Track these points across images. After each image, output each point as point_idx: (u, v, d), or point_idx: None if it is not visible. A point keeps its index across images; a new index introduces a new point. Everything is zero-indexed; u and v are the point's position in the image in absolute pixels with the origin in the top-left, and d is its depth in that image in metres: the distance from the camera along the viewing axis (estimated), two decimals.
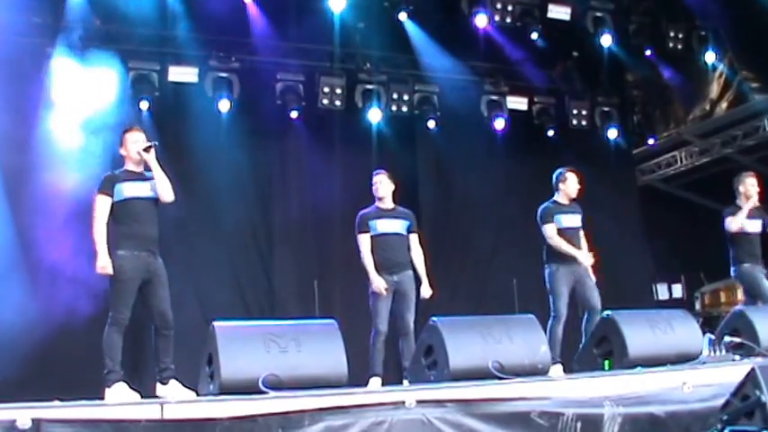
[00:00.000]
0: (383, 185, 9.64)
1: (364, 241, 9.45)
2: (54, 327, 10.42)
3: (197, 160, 12.40)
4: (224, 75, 13.03)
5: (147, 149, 7.71)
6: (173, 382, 7.51)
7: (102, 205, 7.59)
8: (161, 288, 7.62)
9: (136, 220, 7.62)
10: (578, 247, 9.90)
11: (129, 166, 7.81)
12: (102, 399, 7.14)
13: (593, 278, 9.85)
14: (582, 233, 10.03)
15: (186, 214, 11.93)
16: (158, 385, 7.54)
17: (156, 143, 7.83)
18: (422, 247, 9.63)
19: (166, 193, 7.73)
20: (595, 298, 9.69)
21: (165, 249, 11.53)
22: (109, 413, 5.73)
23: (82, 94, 11.64)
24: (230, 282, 12.57)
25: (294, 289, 12.78)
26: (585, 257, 9.85)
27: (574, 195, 10.07)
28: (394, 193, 9.72)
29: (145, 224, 7.64)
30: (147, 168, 7.78)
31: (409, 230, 9.63)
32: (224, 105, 12.99)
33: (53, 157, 10.98)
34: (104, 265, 7.44)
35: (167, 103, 12.69)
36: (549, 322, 9.56)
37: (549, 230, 9.87)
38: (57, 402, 6.53)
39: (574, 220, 10.02)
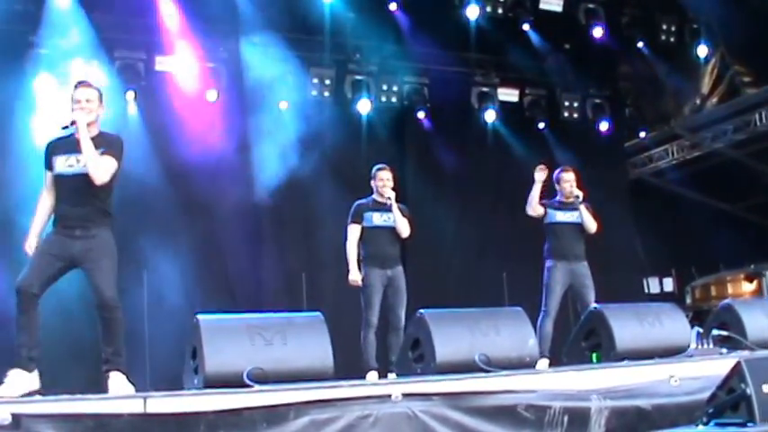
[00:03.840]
0: (390, 183, 9.48)
1: (353, 231, 9.34)
2: None
3: (184, 151, 12.33)
4: (212, 64, 12.97)
5: (73, 122, 6.60)
6: (114, 374, 6.67)
7: (45, 179, 6.86)
8: (96, 268, 6.67)
9: (62, 198, 6.77)
10: (572, 242, 9.88)
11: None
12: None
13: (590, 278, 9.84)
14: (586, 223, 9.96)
15: (173, 206, 11.91)
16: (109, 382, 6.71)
17: (79, 116, 6.60)
18: (411, 239, 9.55)
19: (95, 173, 6.61)
20: (590, 297, 9.66)
21: (153, 242, 11.65)
22: (90, 407, 5.68)
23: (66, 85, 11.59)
24: (218, 275, 12.51)
25: (282, 282, 12.73)
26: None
27: (568, 195, 10.02)
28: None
29: (67, 204, 6.74)
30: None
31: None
32: (212, 96, 12.94)
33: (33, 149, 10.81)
34: (29, 243, 6.82)
35: (154, 92, 12.63)
36: (539, 317, 9.54)
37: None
38: (37, 397, 6.48)
39: (570, 216, 9.98)
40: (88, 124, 6.65)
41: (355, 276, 9.18)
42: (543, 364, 8.82)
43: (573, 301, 9.99)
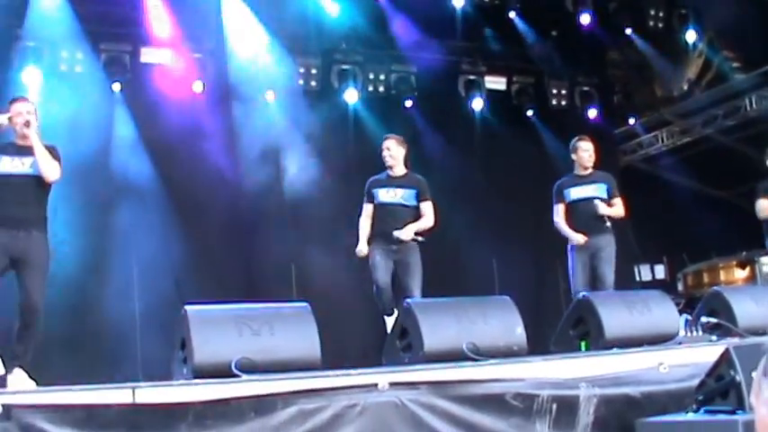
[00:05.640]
0: (393, 151, 9.31)
1: (365, 210, 9.24)
2: None
3: (170, 142, 12.30)
4: (197, 55, 12.93)
5: (26, 124, 7.18)
6: (18, 370, 6.98)
7: None
8: (28, 267, 7.05)
9: (3, 198, 7.12)
10: (593, 220, 9.73)
11: (16, 139, 7.30)
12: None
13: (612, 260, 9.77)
14: (613, 200, 9.87)
15: (160, 198, 11.88)
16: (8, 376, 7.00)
17: (31, 120, 7.21)
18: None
19: (48, 171, 7.14)
20: (606, 269, 9.65)
21: (142, 232, 11.62)
22: (80, 398, 5.67)
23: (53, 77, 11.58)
24: (207, 265, 12.48)
25: (271, 272, 12.70)
26: (578, 237, 9.67)
27: (588, 165, 9.92)
28: (406, 157, 9.46)
29: (12, 203, 7.10)
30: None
31: (418, 199, 9.28)
32: (198, 87, 12.91)
33: None
34: None
35: (140, 84, 12.59)
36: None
37: (554, 213, 9.81)
38: (28, 387, 6.50)
39: (588, 191, 9.85)
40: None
41: (361, 247, 9.08)
42: None
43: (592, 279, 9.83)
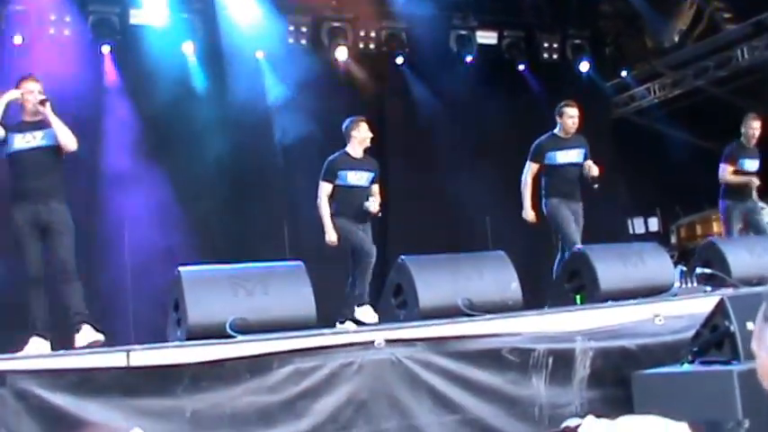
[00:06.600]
0: (368, 134, 9.40)
1: (326, 189, 9.21)
2: None
3: (161, 104, 12.22)
4: (186, 15, 12.82)
5: (42, 103, 7.62)
6: (85, 327, 7.44)
7: None
8: (59, 236, 7.58)
9: (22, 174, 7.62)
10: (572, 184, 9.81)
11: (24, 116, 7.77)
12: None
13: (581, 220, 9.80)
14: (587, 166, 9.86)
15: (152, 160, 11.81)
16: (76, 336, 7.45)
17: (47, 97, 7.70)
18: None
19: (69, 143, 7.67)
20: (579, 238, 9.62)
21: (133, 195, 11.57)
22: (75, 362, 5.66)
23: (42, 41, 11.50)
24: (199, 225, 12.43)
25: (264, 231, 12.66)
26: (531, 215, 9.84)
27: (572, 131, 9.93)
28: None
29: (31, 177, 7.60)
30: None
31: (373, 181, 9.42)
32: (188, 48, 12.81)
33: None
34: None
35: (130, 46, 12.49)
36: (558, 258, 9.51)
37: (526, 171, 9.80)
38: (21, 353, 6.49)
39: (571, 155, 9.90)
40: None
41: (332, 237, 9.09)
42: None
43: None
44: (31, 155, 7.60)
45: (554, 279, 9.09)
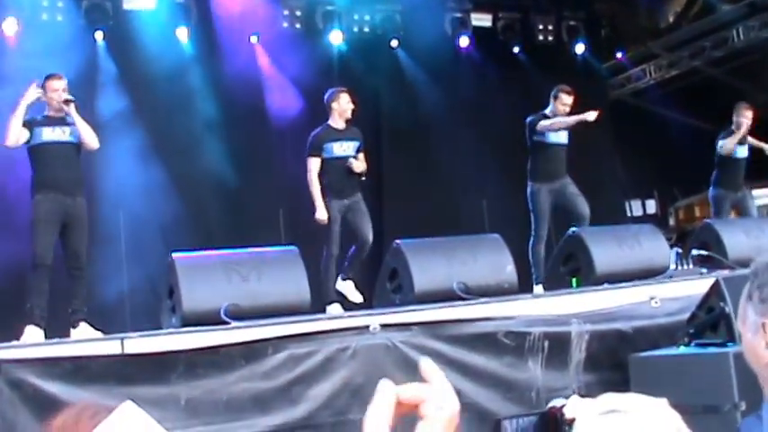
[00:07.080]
0: (348, 105, 9.22)
1: (314, 164, 9.03)
2: None
3: (155, 91, 12.18)
4: (181, 1, 12.77)
5: (66, 102, 7.82)
6: (83, 324, 7.57)
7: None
8: (79, 230, 7.84)
9: (51, 164, 7.83)
10: (563, 165, 9.81)
11: (49, 111, 7.94)
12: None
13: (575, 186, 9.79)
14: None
15: (146, 146, 11.77)
16: (72, 331, 7.56)
17: (74, 99, 7.94)
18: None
19: (93, 141, 7.99)
20: (582, 204, 9.59)
21: (128, 182, 11.55)
22: (70, 350, 5.65)
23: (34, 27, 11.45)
24: (193, 211, 12.39)
25: (259, 217, 12.63)
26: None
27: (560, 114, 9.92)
28: None
29: (60, 168, 7.84)
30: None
31: (358, 150, 9.25)
32: (182, 33, 12.76)
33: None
34: None
35: (123, 32, 12.44)
36: (531, 243, 9.49)
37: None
38: (17, 342, 6.47)
39: (561, 136, 9.88)
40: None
41: (322, 215, 8.95)
42: (539, 289, 8.79)
43: (565, 219, 9.82)
44: (61, 148, 7.86)
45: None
